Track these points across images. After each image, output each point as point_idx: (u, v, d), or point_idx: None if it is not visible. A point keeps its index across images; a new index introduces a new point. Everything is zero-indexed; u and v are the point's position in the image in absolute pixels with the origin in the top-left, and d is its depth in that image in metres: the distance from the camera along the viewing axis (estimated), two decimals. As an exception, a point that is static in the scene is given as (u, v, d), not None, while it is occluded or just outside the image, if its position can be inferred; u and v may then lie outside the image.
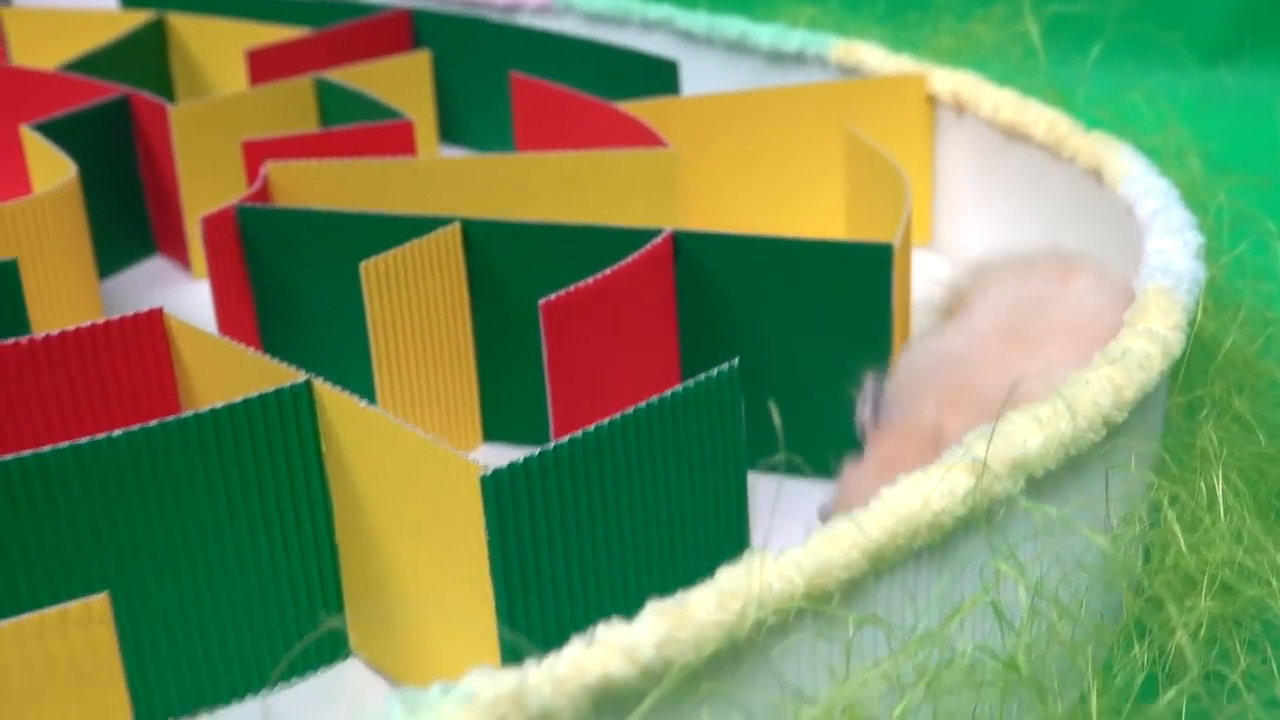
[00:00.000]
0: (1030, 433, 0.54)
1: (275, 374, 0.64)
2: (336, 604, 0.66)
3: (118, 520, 0.60)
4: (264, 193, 0.93)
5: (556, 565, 0.57)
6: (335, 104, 1.12)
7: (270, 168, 0.92)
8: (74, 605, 0.48)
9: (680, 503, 0.62)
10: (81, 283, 0.95)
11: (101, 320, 0.71)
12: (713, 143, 1.04)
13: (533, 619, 0.57)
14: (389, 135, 1.02)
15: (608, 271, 0.74)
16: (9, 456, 0.58)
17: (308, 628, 0.65)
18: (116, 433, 0.59)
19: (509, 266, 0.81)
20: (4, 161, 1.14)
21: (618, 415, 0.59)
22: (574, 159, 0.92)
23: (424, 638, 0.62)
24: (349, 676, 0.65)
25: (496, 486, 0.54)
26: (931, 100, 1.08)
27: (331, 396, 0.62)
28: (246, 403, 0.61)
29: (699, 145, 1.03)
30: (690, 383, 0.62)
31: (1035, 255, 0.77)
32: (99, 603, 0.49)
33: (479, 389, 0.84)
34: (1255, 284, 0.80)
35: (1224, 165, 0.93)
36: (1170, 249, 0.72)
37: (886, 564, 0.48)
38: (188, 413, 0.60)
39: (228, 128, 1.08)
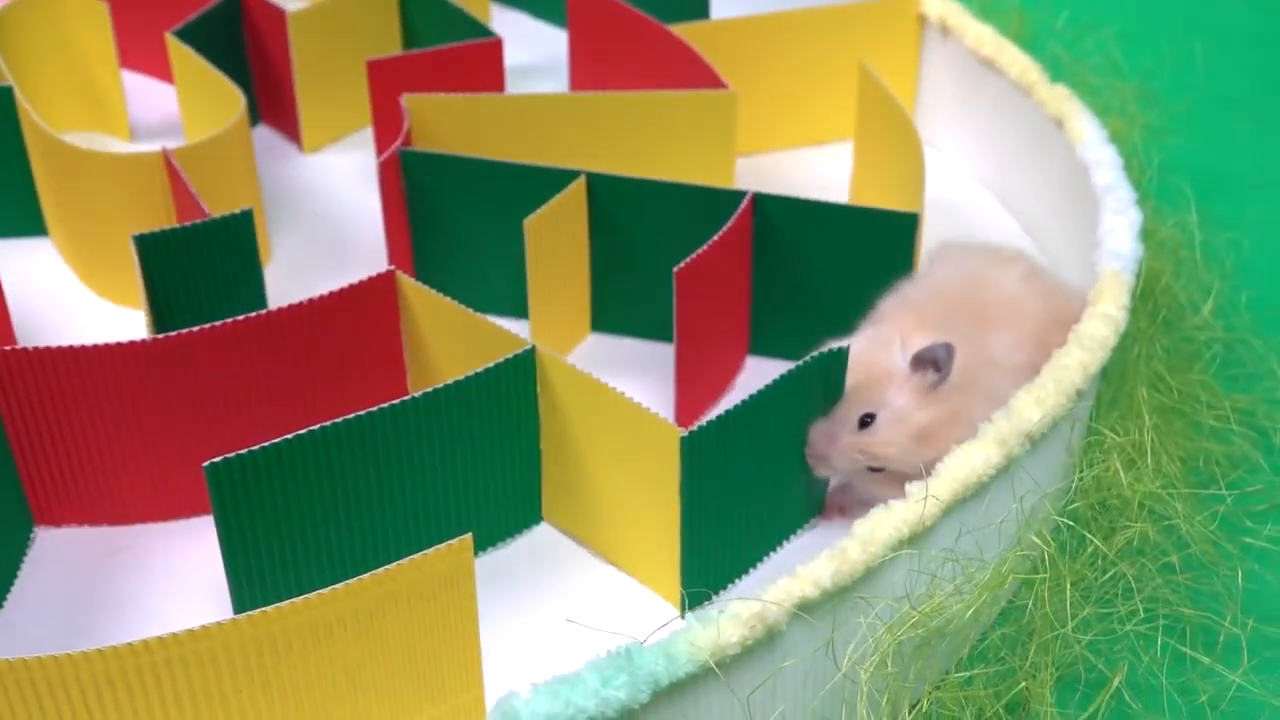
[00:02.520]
0: (1032, 410, 0.83)
1: (501, 339, 0.90)
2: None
3: (387, 475, 0.86)
4: (399, 119, 1.17)
5: (733, 508, 0.85)
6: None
7: (407, 99, 1.15)
8: (441, 548, 0.75)
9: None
10: (250, 175, 1.18)
11: (340, 288, 0.94)
12: (727, 66, 1.27)
13: (707, 547, 0.86)
14: (478, 52, 1.25)
15: (722, 233, 0.99)
16: (328, 423, 0.83)
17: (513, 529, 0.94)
18: (396, 401, 0.85)
19: (619, 209, 1.06)
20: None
21: (783, 379, 0.86)
22: (643, 99, 1.15)
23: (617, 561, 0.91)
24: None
25: (692, 445, 0.82)
26: (921, 20, 1.32)
27: (552, 362, 0.88)
28: (488, 370, 0.87)
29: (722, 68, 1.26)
30: (828, 350, 0.88)
31: (983, 247, 1.02)
32: (462, 543, 0.76)
33: (590, 299, 1.10)
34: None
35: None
36: (1119, 229, 1.00)
37: (953, 510, 0.77)
38: (447, 382, 0.86)
39: (332, 29, 1.30)
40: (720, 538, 0.88)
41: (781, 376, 0.87)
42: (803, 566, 0.73)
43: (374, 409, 0.85)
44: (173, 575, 0.92)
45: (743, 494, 0.88)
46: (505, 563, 0.92)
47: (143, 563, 0.93)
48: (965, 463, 0.79)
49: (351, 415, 0.84)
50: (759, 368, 1.08)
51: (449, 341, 0.95)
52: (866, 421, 0.87)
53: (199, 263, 1.01)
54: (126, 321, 1.14)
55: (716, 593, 0.89)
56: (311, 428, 0.83)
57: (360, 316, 0.96)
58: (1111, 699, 0.79)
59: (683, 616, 0.88)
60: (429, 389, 0.86)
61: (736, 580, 0.90)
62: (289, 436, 0.82)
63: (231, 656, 0.73)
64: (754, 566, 0.91)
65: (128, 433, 0.92)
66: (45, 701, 0.71)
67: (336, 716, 0.77)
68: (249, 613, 0.72)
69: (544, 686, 0.67)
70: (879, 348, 0.90)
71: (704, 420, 0.83)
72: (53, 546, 0.94)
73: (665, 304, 1.06)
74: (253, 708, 0.74)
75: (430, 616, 0.77)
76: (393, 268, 0.96)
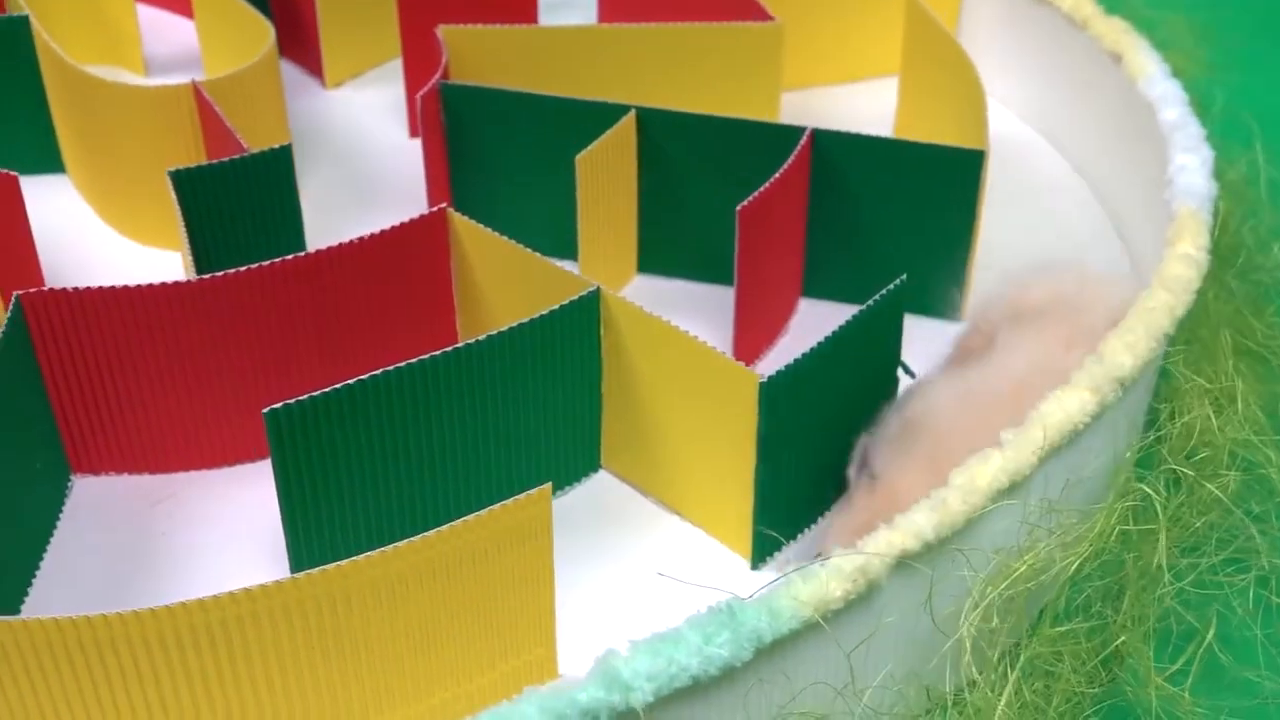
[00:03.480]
0: (1124, 355, 0.80)
1: (561, 279, 0.87)
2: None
3: (446, 422, 0.83)
4: (431, 51, 1.12)
5: (806, 455, 0.82)
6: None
7: (443, 31, 1.10)
8: (520, 499, 0.72)
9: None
10: (278, 110, 1.13)
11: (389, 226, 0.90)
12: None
13: (780, 496, 0.83)
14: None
15: (783, 170, 0.96)
16: (390, 368, 0.80)
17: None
18: (460, 345, 0.81)
19: (670, 145, 1.02)
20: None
21: (856, 320, 0.83)
22: (687, 31, 1.11)
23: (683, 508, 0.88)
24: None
25: (770, 390, 0.79)
26: (967, -54, 1.28)
27: (619, 304, 0.85)
28: (553, 313, 0.84)
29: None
30: (895, 286, 0.85)
31: (1042, 304, 0.86)
32: (541, 493, 0.73)
33: (638, 237, 1.07)
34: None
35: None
36: (1190, 166, 0.97)
37: (1049, 459, 0.75)
38: (511, 325, 0.82)
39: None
40: (792, 487, 0.84)
41: (854, 317, 0.83)
42: (902, 518, 0.70)
43: (437, 353, 0.81)
44: (216, 524, 0.89)
45: (816, 440, 0.84)
46: (564, 512, 0.89)
47: (185, 511, 0.89)
48: (1060, 410, 0.76)
49: (414, 359, 0.80)
50: (813, 310, 1.05)
51: (504, 282, 0.91)
52: None
53: (235, 199, 0.97)
54: (152, 261, 1.10)
55: (786, 543, 0.86)
56: (374, 372, 0.79)
57: (410, 256, 0.92)
58: (1203, 651, 0.77)
59: (754, 568, 0.85)
60: (492, 332, 0.82)
61: (805, 530, 0.87)
62: (351, 381, 0.79)
63: (302, 612, 0.69)
64: (821, 516, 0.88)
65: (169, 377, 0.88)
66: (93, 661, 0.68)
67: (407, 671, 0.74)
68: (321, 568, 0.69)
69: (644, 644, 0.64)
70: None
71: (783, 365, 0.80)
72: (91, 496, 0.91)
73: (716, 243, 1.02)
74: (322, 664, 0.71)
75: (505, 569, 0.74)
76: (444, 205, 0.92)
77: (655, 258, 1.07)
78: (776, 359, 1.00)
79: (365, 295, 0.91)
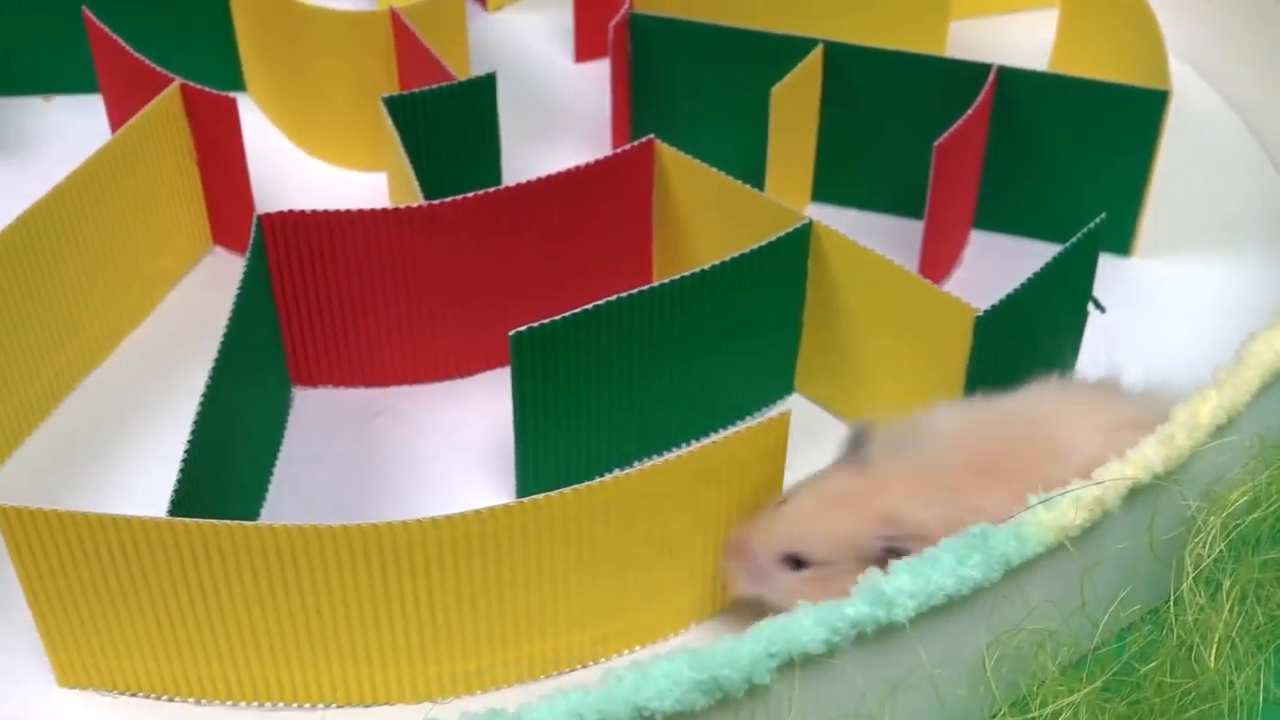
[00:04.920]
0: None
1: (772, 211, 0.90)
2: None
3: (662, 348, 0.87)
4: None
5: (1006, 384, 0.86)
6: None
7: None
8: (762, 423, 0.77)
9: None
10: (460, 36, 1.16)
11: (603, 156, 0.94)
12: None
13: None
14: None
15: (975, 107, 0.98)
16: (624, 294, 0.83)
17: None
18: (687, 273, 0.85)
19: (855, 79, 1.05)
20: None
21: (1062, 256, 0.86)
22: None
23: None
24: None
25: (984, 324, 0.83)
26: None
27: (831, 236, 0.88)
28: (771, 244, 0.87)
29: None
30: (1095, 224, 0.88)
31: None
32: (782, 417, 0.77)
33: (815, 168, 1.10)
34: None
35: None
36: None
37: (1260, 395, 0.79)
38: (733, 255, 0.86)
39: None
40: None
41: (1059, 255, 0.87)
42: (1133, 452, 0.74)
43: (666, 280, 0.85)
44: (432, 435, 0.93)
45: (1016, 371, 0.88)
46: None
47: (403, 423, 0.94)
48: (1269, 350, 0.80)
49: (646, 286, 0.84)
50: (984, 242, 1.08)
51: (709, 213, 0.95)
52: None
53: (440, 127, 1.00)
54: (345, 182, 1.13)
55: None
56: (610, 298, 0.83)
57: (617, 185, 0.95)
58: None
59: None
60: (717, 262, 0.86)
61: (997, 456, 0.92)
62: (589, 306, 0.83)
63: (550, 528, 0.74)
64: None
65: (391, 295, 0.92)
66: (330, 566, 0.72)
67: (641, 582, 0.78)
68: (587, 484, 0.74)
69: (904, 565, 0.68)
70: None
71: (996, 299, 0.84)
72: (311, 408, 0.95)
73: (895, 175, 1.06)
74: (563, 575, 0.76)
75: (743, 488, 0.78)
76: (651, 136, 0.95)
77: (830, 188, 1.10)
78: (953, 290, 1.03)
79: (572, 223, 0.95)
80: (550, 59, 1.27)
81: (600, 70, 1.24)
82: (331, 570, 0.73)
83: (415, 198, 0.93)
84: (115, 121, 1.10)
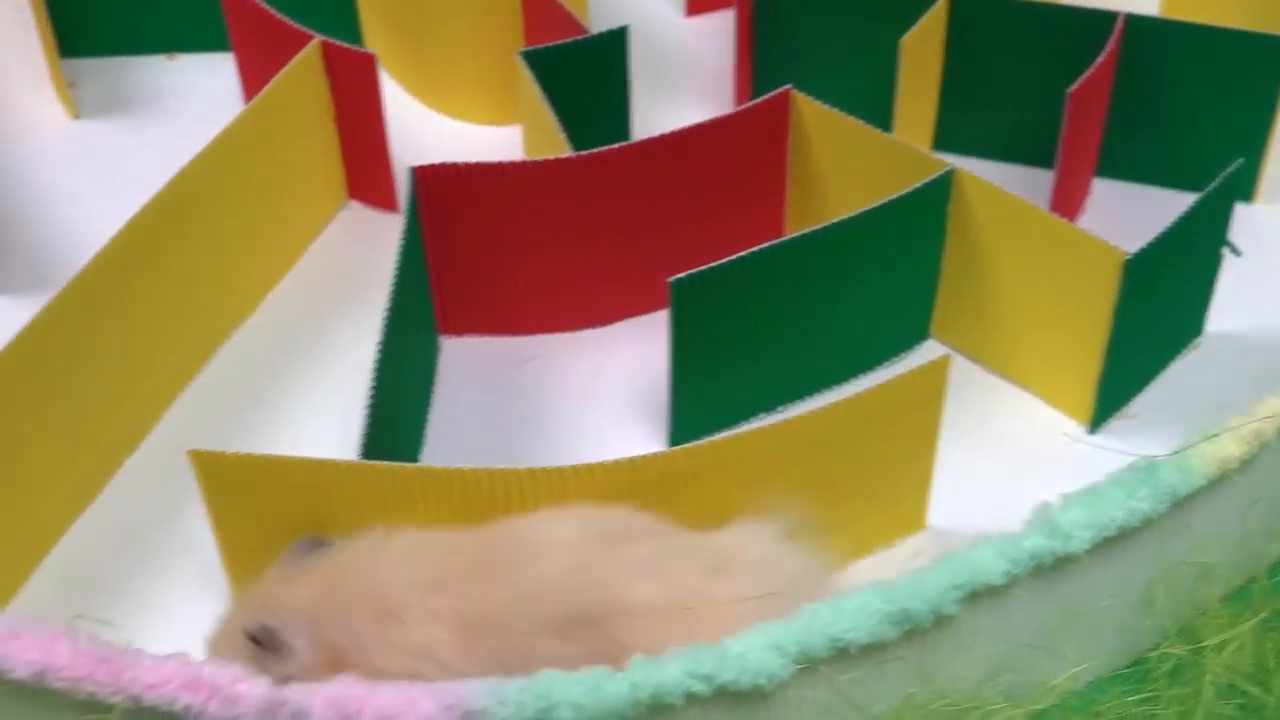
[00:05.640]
0: None
1: (912, 159, 0.92)
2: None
3: (808, 294, 0.89)
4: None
5: (1149, 328, 0.88)
6: None
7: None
8: (922, 367, 0.79)
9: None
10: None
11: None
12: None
13: (1123, 366, 0.89)
14: None
15: (1105, 54, 0.99)
16: (780, 240, 0.86)
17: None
18: (837, 220, 0.87)
19: (979, 27, 1.06)
20: None
21: (1203, 201, 0.87)
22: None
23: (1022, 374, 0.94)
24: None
25: (1133, 268, 0.84)
26: None
27: (973, 182, 0.90)
28: (915, 191, 0.89)
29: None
30: (1232, 169, 0.89)
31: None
32: (941, 362, 0.79)
33: (936, 117, 1.11)
34: None
35: None
36: None
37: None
38: (879, 202, 0.88)
39: None
40: (1133, 356, 0.90)
41: (1200, 200, 0.88)
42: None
43: (818, 227, 0.87)
44: (578, 382, 0.96)
45: (1157, 314, 0.90)
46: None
47: (550, 371, 0.96)
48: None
49: (799, 233, 0.86)
50: (1105, 190, 1.09)
51: (848, 162, 0.96)
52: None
53: (572, 81, 1.02)
54: (469, 136, 1.15)
55: (1116, 411, 0.92)
56: (764, 245, 0.85)
57: (753, 136, 0.97)
58: None
59: (1091, 432, 0.92)
60: (865, 208, 0.88)
61: (1133, 398, 0.93)
62: (746, 252, 0.85)
63: (728, 468, 0.76)
64: (1144, 387, 0.94)
65: (537, 245, 0.95)
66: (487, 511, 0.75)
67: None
68: (742, 430, 0.76)
69: (1075, 497, 0.71)
70: None
71: (1144, 244, 0.85)
72: (459, 357, 0.98)
73: (1019, 123, 1.07)
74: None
75: (901, 431, 0.81)
76: (789, 86, 0.97)
77: (951, 136, 1.11)
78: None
79: (710, 173, 0.97)
80: (660, 14, 1.28)
81: (710, 24, 1.26)
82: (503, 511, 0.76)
83: (560, 150, 0.95)
84: (247, 78, 1.13)
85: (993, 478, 0.89)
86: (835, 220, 0.87)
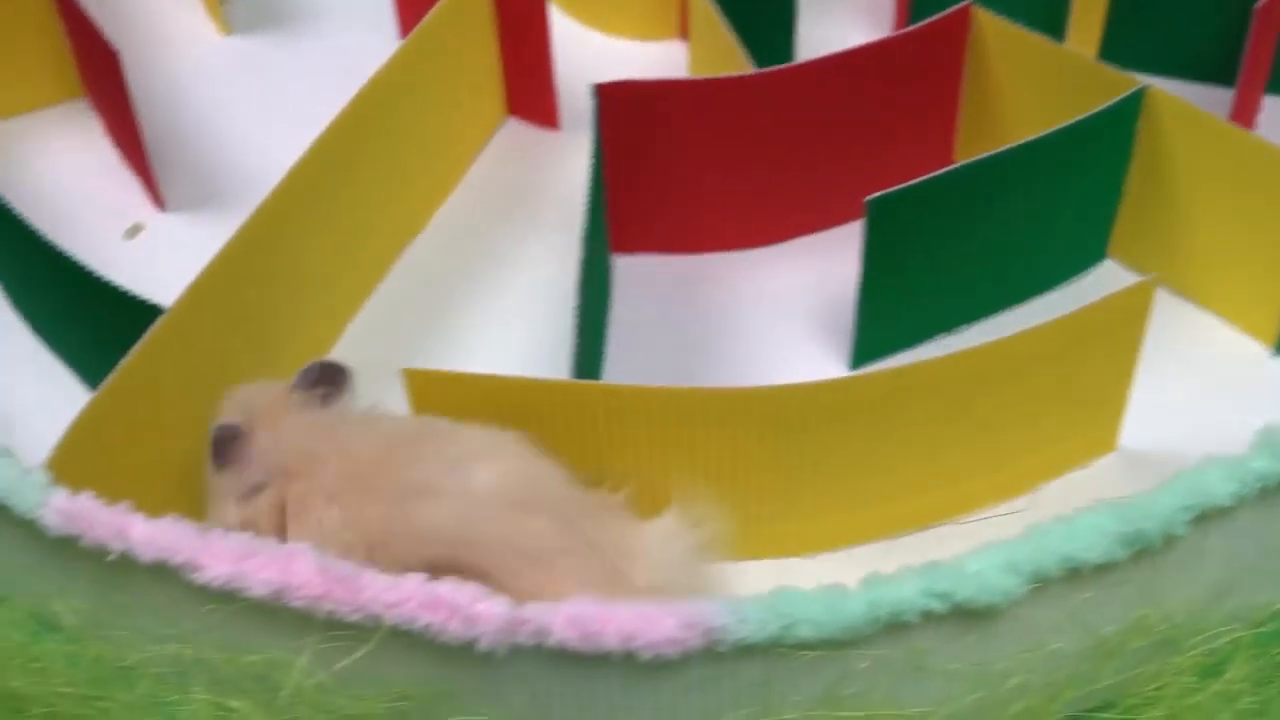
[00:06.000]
0: None
1: (1104, 78, 0.90)
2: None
3: (996, 214, 0.88)
4: None
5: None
6: None
7: None
8: (1129, 288, 0.78)
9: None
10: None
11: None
12: None
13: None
14: None
15: None
16: (974, 159, 0.85)
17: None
18: (1031, 139, 0.85)
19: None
20: None
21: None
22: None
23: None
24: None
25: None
26: None
27: (1167, 101, 0.89)
28: (1107, 109, 0.87)
29: None
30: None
31: None
32: (1145, 284, 0.78)
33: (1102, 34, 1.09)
34: None
35: None
36: None
37: None
38: (1071, 121, 0.86)
39: None
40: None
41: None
42: None
43: (1010, 146, 0.86)
44: (753, 301, 0.96)
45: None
46: (1076, 296, 0.95)
47: (722, 290, 0.96)
48: None
49: (992, 152, 0.85)
50: (1274, 107, 1.08)
51: (1030, 81, 0.95)
52: None
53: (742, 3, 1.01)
54: (623, 51, 1.14)
55: (1306, 331, 0.92)
56: (956, 165, 0.85)
57: (931, 52, 0.96)
58: None
59: (1278, 354, 0.91)
60: (1056, 128, 0.86)
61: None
62: (942, 171, 0.84)
63: (922, 392, 0.76)
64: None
65: (713, 163, 0.94)
66: (669, 433, 0.76)
67: (1002, 442, 0.81)
68: (958, 350, 0.76)
69: (1306, 420, 0.70)
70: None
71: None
72: (631, 275, 0.98)
73: (1187, 40, 1.05)
74: (935, 442, 0.79)
75: (1102, 352, 0.80)
76: (969, 2, 0.95)
77: (1118, 51, 1.09)
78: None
79: (885, 90, 0.95)
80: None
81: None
82: (713, 429, 0.76)
83: (735, 67, 0.94)
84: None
85: (1179, 400, 0.88)
86: (1028, 139, 0.86)
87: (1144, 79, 1.08)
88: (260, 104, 1.12)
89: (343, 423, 0.77)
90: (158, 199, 1.02)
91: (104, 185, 1.05)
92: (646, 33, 1.14)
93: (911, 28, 0.94)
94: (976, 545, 0.66)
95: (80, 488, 0.70)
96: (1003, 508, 0.84)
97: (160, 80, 1.13)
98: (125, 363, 0.76)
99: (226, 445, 0.76)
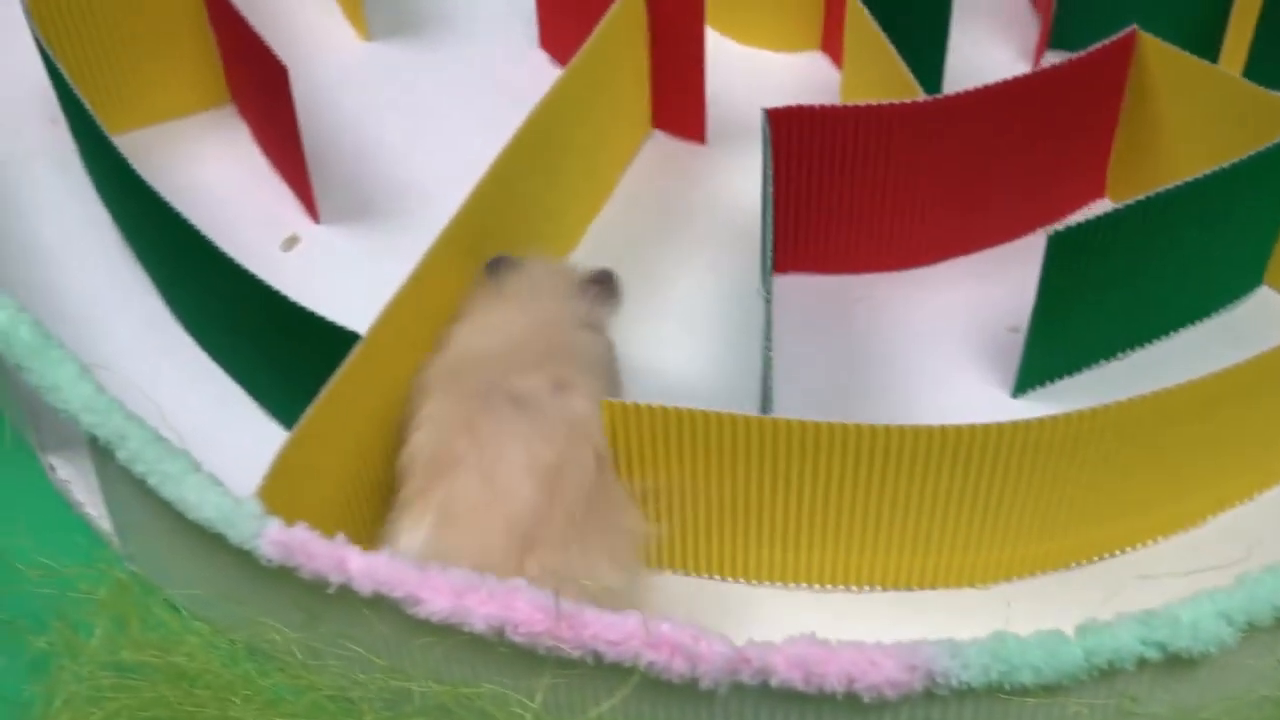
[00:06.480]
0: None
1: (1266, 104, 0.90)
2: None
3: (1170, 246, 0.89)
4: None
5: None
6: None
7: None
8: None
9: None
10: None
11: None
12: None
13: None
14: None
15: None
16: (1154, 192, 0.85)
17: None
18: (1214, 171, 0.85)
19: None
20: None
21: None
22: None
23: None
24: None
25: None
26: None
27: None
28: (1274, 147, 0.88)
29: None
30: None
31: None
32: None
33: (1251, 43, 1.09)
34: None
35: None
36: None
37: None
38: (1254, 152, 0.86)
39: None
40: None
41: None
42: None
43: (1185, 181, 0.86)
44: (910, 323, 0.96)
45: None
46: (1233, 323, 0.96)
47: (882, 311, 0.97)
48: None
49: (1166, 188, 0.85)
50: None
51: (1189, 107, 0.95)
52: None
53: (896, 17, 1.00)
54: (763, 62, 1.14)
55: None
56: (1136, 198, 0.85)
57: (1093, 78, 0.96)
58: None
59: None
60: (1225, 165, 0.86)
61: None
62: (1123, 205, 0.84)
63: (1133, 427, 0.77)
64: None
65: (877, 186, 0.95)
66: (832, 464, 0.77)
67: (1198, 473, 0.82)
68: (1145, 395, 0.76)
69: None
70: None
71: None
72: (791, 294, 0.98)
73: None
74: (1119, 476, 0.79)
75: (1275, 400, 0.81)
76: (1134, 26, 0.96)
77: (1263, 72, 1.09)
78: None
79: (1045, 116, 0.96)
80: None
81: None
82: (896, 470, 0.77)
83: (897, 89, 0.94)
84: (543, 1, 1.12)
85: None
86: (1201, 175, 0.86)
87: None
88: (403, 112, 1.12)
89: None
90: (313, 211, 1.03)
91: (257, 194, 1.06)
92: (788, 44, 1.14)
93: (1081, 54, 0.94)
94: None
95: (290, 518, 0.72)
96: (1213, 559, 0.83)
97: (304, 86, 1.13)
98: (327, 391, 0.77)
99: (501, 269, 0.85)
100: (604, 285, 0.86)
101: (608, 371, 0.84)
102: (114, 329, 0.98)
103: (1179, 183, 0.86)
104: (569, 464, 0.76)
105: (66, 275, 1.02)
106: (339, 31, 1.18)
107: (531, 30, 1.15)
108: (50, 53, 1.01)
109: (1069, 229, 0.83)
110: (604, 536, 0.77)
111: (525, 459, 0.75)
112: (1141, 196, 0.85)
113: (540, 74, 1.13)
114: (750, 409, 0.79)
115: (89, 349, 0.94)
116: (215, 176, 1.07)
